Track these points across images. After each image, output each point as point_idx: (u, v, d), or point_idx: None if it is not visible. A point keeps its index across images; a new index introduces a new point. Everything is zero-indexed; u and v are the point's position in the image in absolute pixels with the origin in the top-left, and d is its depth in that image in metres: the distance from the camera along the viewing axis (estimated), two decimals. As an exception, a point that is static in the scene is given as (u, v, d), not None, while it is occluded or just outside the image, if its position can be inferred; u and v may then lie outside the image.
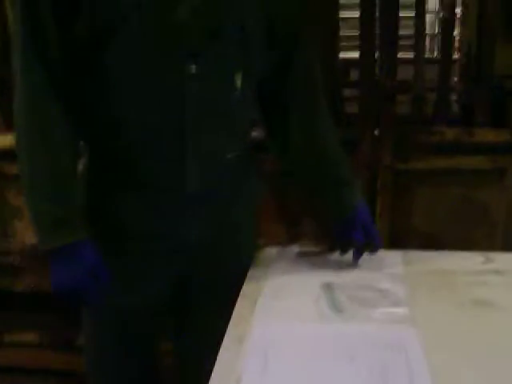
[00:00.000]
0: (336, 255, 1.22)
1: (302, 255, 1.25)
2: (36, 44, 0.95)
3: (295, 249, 1.30)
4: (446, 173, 1.82)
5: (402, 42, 1.89)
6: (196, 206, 1.09)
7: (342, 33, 1.99)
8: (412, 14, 1.87)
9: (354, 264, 1.17)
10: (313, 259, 1.22)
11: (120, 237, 1.09)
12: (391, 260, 1.22)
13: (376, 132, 1.83)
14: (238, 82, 1.02)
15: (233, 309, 1.03)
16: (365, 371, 0.85)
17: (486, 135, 1.78)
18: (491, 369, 0.85)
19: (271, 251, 1.29)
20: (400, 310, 1.01)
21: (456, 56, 1.97)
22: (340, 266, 1.19)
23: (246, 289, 1.09)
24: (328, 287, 1.09)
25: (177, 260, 1.12)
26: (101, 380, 1.21)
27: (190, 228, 1.10)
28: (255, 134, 1.47)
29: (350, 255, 1.19)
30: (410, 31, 1.91)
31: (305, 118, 1.17)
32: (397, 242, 1.90)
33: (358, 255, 1.17)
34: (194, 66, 0.96)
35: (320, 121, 1.18)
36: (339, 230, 1.18)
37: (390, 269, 1.18)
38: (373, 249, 1.18)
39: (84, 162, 1.10)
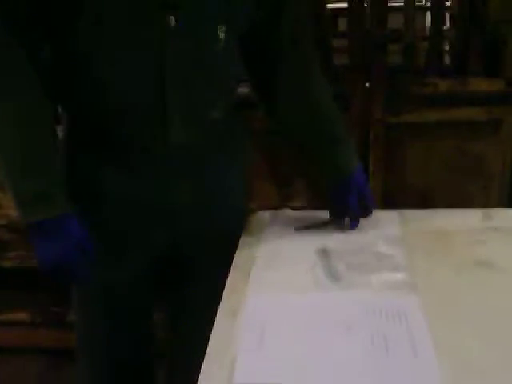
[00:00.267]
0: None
1: (295, 220, 1.20)
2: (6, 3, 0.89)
3: (288, 212, 1.25)
4: (440, 125, 1.77)
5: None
6: (181, 169, 1.03)
7: (329, -19, 1.91)
8: (402, -42, 1.79)
9: (350, 229, 1.13)
10: (307, 223, 1.17)
11: (102, 206, 1.04)
12: (387, 221, 1.18)
13: (367, 85, 1.76)
14: (221, 35, 0.96)
15: (226, 279, 0.99)
16: (364, 341, 0.82)
17: (480, 85, 1.72)
18: (495, 336, 0.82)
19: (264, 215, 1.24)
20: (399, 276, 0.97)
21: (448, 3, 1.89)
22: (336, 229, 1.15)
23: (238, 258, 1.05)
24: (324, 253, 1.05)
25: (163, 228, 1.07)
26: (91, 355, 1.18)
27: (177, 193, 1.05)
28: (242, 90, 1.42)
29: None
30: (400, -23, 1.83)
31: (295, 75, 1.11)
32: (390, 199, 1.87)
33: (354, 222, 1.14)
34: (173, 18, 0.91)
35: (312, 77, 1.13)
36: (334, 194, 1.14)
37: (386, 230, 1.14)
38: (367, 213, 1.15)
39: (63, 130, 1.05)
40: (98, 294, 1.11)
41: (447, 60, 1.90)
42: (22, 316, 2.09)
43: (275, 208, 1.88)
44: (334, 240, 1.11)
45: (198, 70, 0.97)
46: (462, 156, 1.84)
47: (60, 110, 1.06)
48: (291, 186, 1.90)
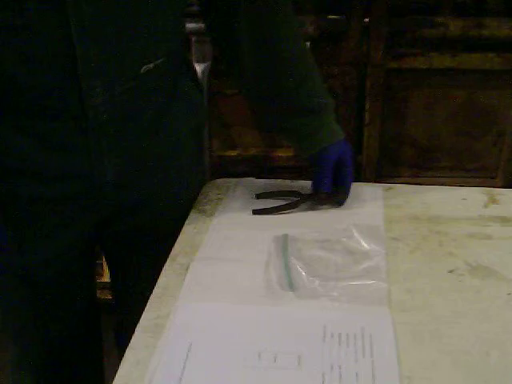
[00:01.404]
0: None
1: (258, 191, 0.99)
2: None
3: (251, 181, 1.04)
4: (448, 73, 1.52)
5: None
6: (109, 136, 0.82)
7: None
8: None
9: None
10: (273, 200, 0.97)
11: (16, 183, 0.82)
12: (369, 200, 0.98)
13: (366, 21, 1.50)
14: None
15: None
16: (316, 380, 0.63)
17: (499, 27, 1.46)
18: None
19: (222, 184, 1.03)
20: (372, 284, 0.77)
21: None
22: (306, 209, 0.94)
23: (178, 246, 0.85)
24: (282, 244, 0.84)
25: (92, 205, 0.87)
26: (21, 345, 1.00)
27: (104, 164, 0.83)
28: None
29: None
30: None
31: (258, 28, 0.89)
32: (388, 154, 1.65)
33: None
34: None
35: (278, 27, 0.90)
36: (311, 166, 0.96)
37: (365, 215, 0.93)
38: (338, 201, 0.96)
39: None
40: (12, 284, 0.92)
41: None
42: None
43: (258, 158, 1.69)
44: (298, 224, 0.90)
45: (113, 18, 0.73)
46: (470, 108, 1.61)
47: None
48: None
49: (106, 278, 1.27)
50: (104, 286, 1.46)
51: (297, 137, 0.96)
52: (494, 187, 1.68)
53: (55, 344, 1.02)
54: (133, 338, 0.68)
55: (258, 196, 0.97)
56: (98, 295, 1.10)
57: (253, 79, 0.94)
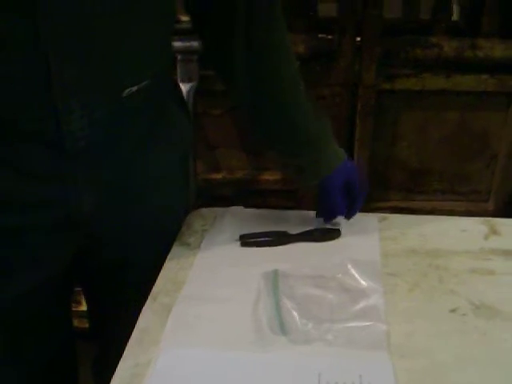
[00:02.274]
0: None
1: (246, 224, 0.93)
2: None
3: (239, 210, 0.98)
4: (441, 94, 1.48)
5: None
6: (87, 165, 0.75)
7: None
8: None
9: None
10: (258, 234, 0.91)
11: None
12: (364, 232, 0.92)
13: (358, 40, 1.45)
14: None
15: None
16: None
17: (493, 48, 1.42)
18: None
19: (207, 213, 0.97)
20: (370, 326, 0.71)
21: None
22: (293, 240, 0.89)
23: (160, 284, 0.79)
24: (273, 282, 0.78)
25: (68, 237, 0.80)
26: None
27: (81, 192, 0.77)
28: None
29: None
30: None
31: (255, 47, 0.84)
32: (378, 177, 1.60)
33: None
34: None
35: (275, 46, 0.85)
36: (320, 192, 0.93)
37: (360, 248, 0.88)
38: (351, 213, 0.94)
39: None
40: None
41: (456, 16, 1.58)
42: None
43: (244, 181, 1.63)
44: (290, 257, 0.85)
45: (93, 34, 0.67)
46: (463, 130, 1.56)
47: None
48: (263, 154, 1.62)
49: (85, 307, 1.21)
50: (81, 314, 1.38)
51: (298, 166, 0.91)
52: (486, 210, 1.66)
53: (29, 376, 0.95)
54: (109, 390, 0.62)
55: (242, 241, 0.89)
56: (75, 324, 1.04)
57: (247, 98, 0.88)
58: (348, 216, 0.94)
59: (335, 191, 0.90)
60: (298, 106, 0.87)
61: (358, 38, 1.45)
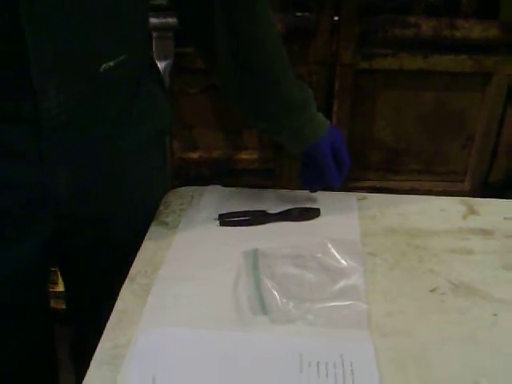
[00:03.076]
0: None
1: (224, 202, 0.92)
2: None
3: (217, 189, 0.97)
4: (419, 74, 1.48)
5: None
6: (63, 143, 0.73)
7: None
8: None
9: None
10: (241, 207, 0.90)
11: None
12: (343, 210, 0.92)
13: (335, 19, 1.44)
14: None
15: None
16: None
17: (471, 29, 1.42)
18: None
19: (185, 192, 0.96)
20: (352, 306, 0.71)
21: None
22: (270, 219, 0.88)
23: (138, 263, 0.77)
24: (253, 260, 0.77)
25: (46, 217, 0.79)
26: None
27: (57, 173, 0.75)
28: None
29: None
30: None
31: (235, 21, 0.82)
32: (356, 157, 1.59)
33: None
34: None
35: (258, 19, 0.83)
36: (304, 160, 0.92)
37: (340, 226, 0.87)
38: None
39: None
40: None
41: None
42: None
43: (221, 160, 1.62)
44: (270, 236, 0.84)
45: (70, 11, 0.65)
46: (440, 111, 1.56)
47: None
48: (241, 133, 1.60)
49: (62, 287, 1.19)
50: (58, 295, 1.36)
51: (286, 134, 0.89)
52: (462, 191, 1.67)
53: (6, 358, 0.93)
54: (88, 372, 0.61)
55: (221, 220, 0.88)
56: (52, 305, 1.02)
57: (232, 73, 0.87)
58: (338, 182, 0.92)
59: (325, 157, 0.89)
60: (285, 77, 0.86)
61: (336, 17, 1.44)
